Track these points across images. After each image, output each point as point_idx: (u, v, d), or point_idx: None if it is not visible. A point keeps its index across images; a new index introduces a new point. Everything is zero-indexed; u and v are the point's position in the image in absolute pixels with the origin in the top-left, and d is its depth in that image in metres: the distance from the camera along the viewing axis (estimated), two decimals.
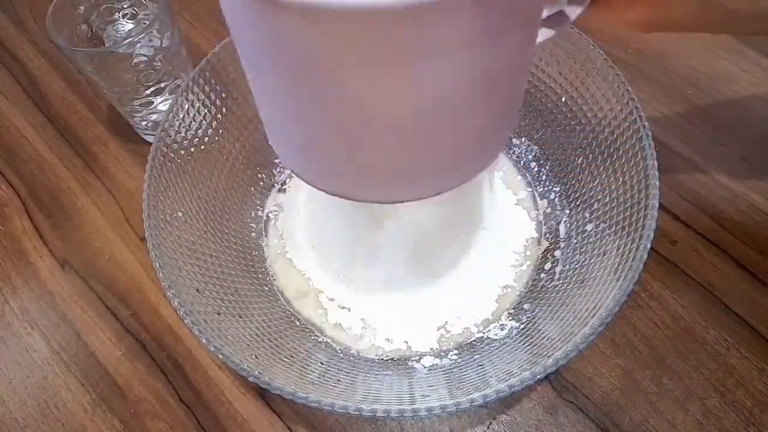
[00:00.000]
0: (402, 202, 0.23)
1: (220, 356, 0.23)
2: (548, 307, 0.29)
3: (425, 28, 0.14)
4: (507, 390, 0.22)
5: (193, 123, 0.31)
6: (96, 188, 0.39)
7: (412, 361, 0.30)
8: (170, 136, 0.30)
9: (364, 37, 0.14)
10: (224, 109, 0.32)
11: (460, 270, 0.32)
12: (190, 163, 0.31)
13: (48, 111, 0.43)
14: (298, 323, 0.31)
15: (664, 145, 0.37)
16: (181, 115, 0.30)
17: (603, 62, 0.29)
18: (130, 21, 0.37)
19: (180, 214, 0.29)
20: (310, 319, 0.32)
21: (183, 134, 0.30)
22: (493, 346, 0.29)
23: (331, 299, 0.32)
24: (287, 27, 0.15)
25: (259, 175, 0.36)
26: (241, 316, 0.28)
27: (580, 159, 0.31)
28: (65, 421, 0.31)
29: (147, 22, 0.34)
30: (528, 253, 0.33)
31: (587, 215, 0.30)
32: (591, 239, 0.29)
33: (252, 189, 0.35)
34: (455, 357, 0.29)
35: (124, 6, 0.36)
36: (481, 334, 0.30)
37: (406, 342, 0.31)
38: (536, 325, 0.28)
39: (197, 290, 0.27)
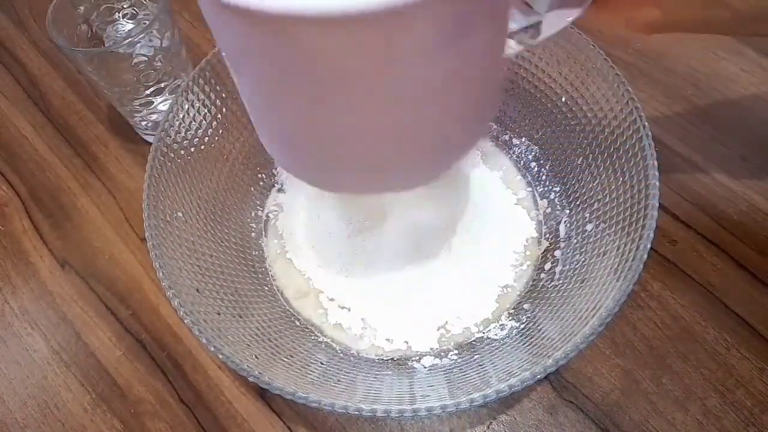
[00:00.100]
0: (386, 192, 0.22)
1: (220, 356, 0.24)
2: (548, 307, 0.29)
3: (392, 34, 0.14)
4: (507, 390, 0.22)
5: (193, 123, 0.31)
6: (96, 188, 0.39)
7: (412, 361, 0.30)
8: (170, 136, 0.30)
9: (314, 42, 0.14)
10: (224, 109, 0.32)
11: (460, 270, 0.32)
12: (190, 163, 0.31)
13: (48, 111, 0.43)
14: (298, 323, 0.31)
15: (664, 145, 0.37)
16: (181, 115, 0.30)
17: (603, 62, 0.29)
18: (130, 21, 0.37)
19: (180, 214, 0.29)
20: (310, 319, 0.32)
21: (183, 134, 0.30)
22: (493, 346, 0.29)
23: (331, 299, 0.32)
24: (250, 32, 0.15)
25: (259, 175, 0.36)
26: (241, 316, 0.28)
27: (580, 159, 0.31)
28: (65, 421, 0.31)
29: (147, 22, 0.34)
30: (528, 253, 0.33)
31: (587, 215, 0.30)
32: (591, 239, 0.29)
33: (252, 189, 0.35)
34: (455, 357, 0.29)
35: (124, 6, 0.36)
36: (481, 334, 0.30)
37: (406, 342, 0.31)
38: (536, 325, 0.28)
39: (197, 290, 0.27)
